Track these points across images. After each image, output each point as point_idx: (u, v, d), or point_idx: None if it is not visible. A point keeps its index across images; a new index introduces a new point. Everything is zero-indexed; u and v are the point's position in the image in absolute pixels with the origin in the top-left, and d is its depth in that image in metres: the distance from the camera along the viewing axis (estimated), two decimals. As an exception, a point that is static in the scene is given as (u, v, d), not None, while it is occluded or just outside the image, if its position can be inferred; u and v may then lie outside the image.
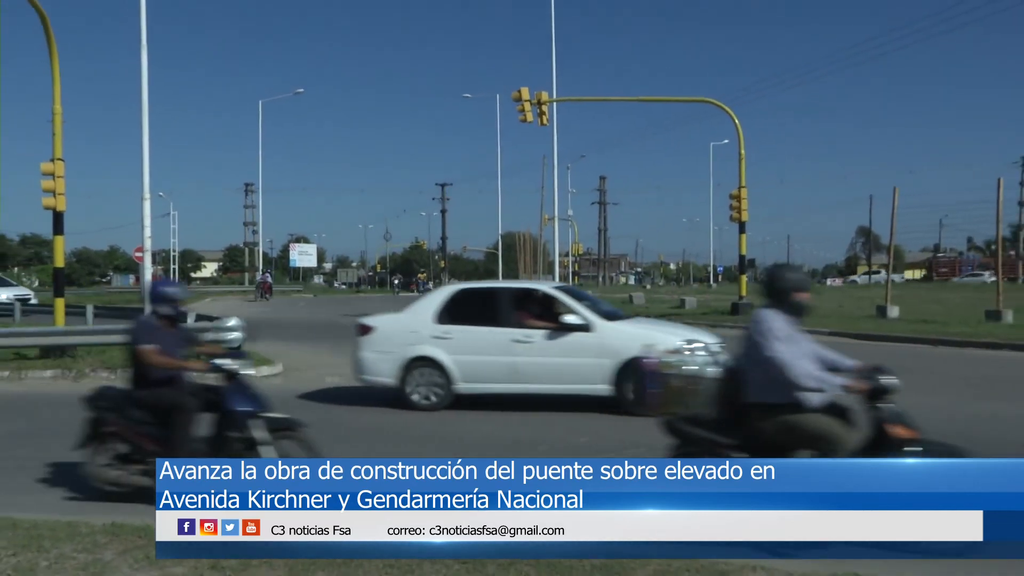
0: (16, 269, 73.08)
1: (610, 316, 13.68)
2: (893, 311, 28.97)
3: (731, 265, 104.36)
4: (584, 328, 12.90)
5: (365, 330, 14.04)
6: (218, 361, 7.89)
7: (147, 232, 25.21)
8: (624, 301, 43.52)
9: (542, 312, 13.46)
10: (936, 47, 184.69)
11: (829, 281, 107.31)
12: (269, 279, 69.09)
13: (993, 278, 38.93)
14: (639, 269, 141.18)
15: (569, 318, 13.03)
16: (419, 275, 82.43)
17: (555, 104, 40.16)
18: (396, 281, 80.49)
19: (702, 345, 12.46)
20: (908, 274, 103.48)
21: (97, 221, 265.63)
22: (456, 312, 13.58)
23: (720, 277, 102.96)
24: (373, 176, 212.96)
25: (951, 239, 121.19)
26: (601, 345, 12.72)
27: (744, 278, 36.04)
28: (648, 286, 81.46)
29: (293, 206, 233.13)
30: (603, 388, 12.69)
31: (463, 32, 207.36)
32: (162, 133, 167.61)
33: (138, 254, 31.24)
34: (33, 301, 37.46)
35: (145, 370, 7.93)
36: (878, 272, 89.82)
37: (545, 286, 14.21)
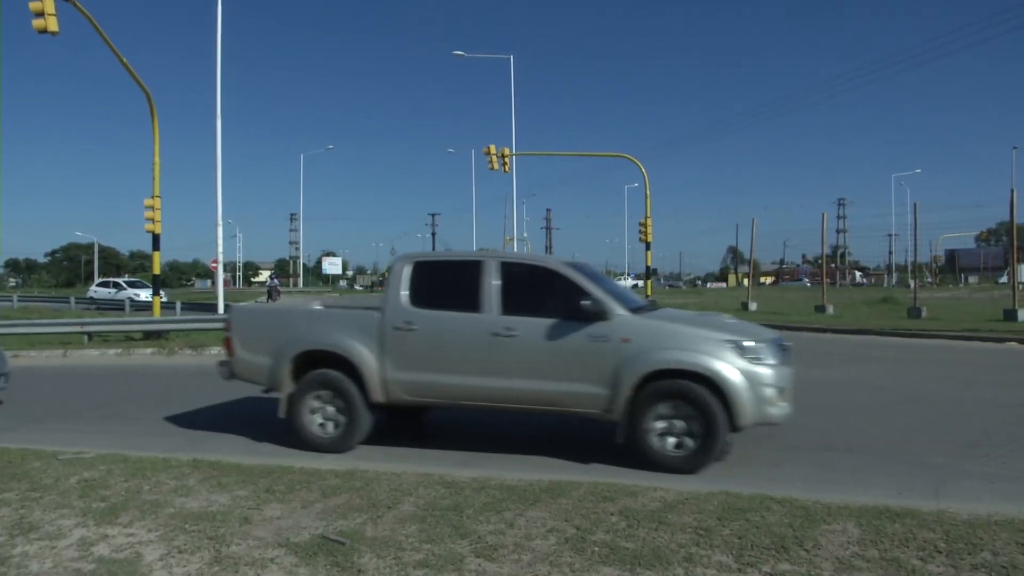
0: (126, 275, 71.87)
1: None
2: (753, 306, 29.35)
3: (640, 273, 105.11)
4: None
5: None
6: None
7: (220, 248, 25.12)
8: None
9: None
10: (772, 127, 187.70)
11: (709, 284, 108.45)
12: (277, 283, 49.76)
13: (814, 282, 39.74)
14: (631, 276, 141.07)
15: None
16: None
17: (514, 156, 40.27)
18: None
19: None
20: (763, 279, 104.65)
21: (184, 240, 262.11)
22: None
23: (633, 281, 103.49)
24: (383, 207, 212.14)
25: (792, 255, 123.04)
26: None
27: (650, 282, 36.34)
28: (637, 286, 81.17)
29: (325, 229, 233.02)
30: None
31: (449, 105, 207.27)
32: (232, 175, 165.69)
33: (213, 265, 31.02)
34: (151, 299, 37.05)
35: None
36: (746, 277, 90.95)
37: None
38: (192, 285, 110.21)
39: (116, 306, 33.31)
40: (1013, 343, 17.29)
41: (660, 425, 6.43)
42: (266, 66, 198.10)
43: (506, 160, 34.91)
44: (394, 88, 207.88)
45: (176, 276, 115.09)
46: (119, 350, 17.73)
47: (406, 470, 6.24)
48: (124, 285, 43.38)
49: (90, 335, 19.16)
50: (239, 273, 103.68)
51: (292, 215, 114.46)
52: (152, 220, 19.72)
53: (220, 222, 24.00)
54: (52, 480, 6.03)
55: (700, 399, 6.31)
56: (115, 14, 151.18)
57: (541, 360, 6.73)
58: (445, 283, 7.44)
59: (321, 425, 7.35)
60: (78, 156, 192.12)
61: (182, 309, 26.37)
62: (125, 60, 18.56)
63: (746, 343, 6.45)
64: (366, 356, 7.15)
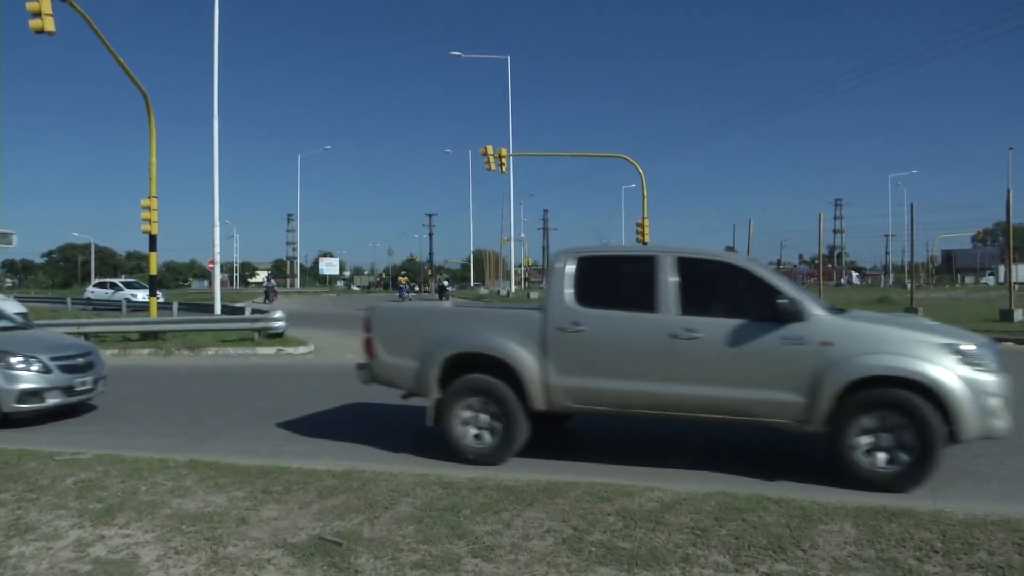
0: (123, 276, 71.65)
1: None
2: (748, 306, 29.43)
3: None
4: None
5: None
6: None
7: (217, 249, 25.11)
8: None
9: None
10: (771, 127, 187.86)
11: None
12: (274, 284, 51.52)
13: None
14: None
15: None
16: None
17: (511, 157, 40.32)
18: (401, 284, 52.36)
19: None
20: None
21: (182, 240, 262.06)
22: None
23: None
24: (380, 207, 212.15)
25: (789, 255, 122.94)
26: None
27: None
28: None
29: (323, 229, 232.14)
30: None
31: (448, 105, 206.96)
32: (230, 176, 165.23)
33: (210, 265, 31.03)
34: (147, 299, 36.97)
35: None
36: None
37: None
38: (189, 286, 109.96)
39: (113, 307, 33.20)
40: (1009, 343, 17.33)
41: (866, 438, 5.85)
42: (264, 66, 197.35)
43: (503, 160, 34.99)
44: (392, 88, 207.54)
45: (173, 276, 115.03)
46: (116, 351, 17.68)
47: (403, 471, 6.24)
48: (121, 286, 43.29)
49: (87, 336, 19.07)
50: (236, 273, 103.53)
51: (289, 215, 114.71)
52: (149, 221, 19.72)
53: (217, 222, 24.00)
54: (49, 481, 6.01)
55: (915, 409, 5.70)
56: (114, 14, 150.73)
57: (728, 365, 6.16)
58: (614, 280, 6.95)
59: (467, 429, 6.87)
60: (75, 156, 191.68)
61: (179, 310, 26.33)
62: (122, 60, 18.55)
63: (964, 347, 5.84)
64: (526, 360, 6.63)
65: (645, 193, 33.32)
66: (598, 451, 7.06)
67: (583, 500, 5.35)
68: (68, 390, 9.20)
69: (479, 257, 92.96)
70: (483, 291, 65.86)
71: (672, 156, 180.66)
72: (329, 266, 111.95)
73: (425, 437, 8.04)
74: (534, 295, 51.35)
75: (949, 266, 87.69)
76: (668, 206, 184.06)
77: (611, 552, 4.35)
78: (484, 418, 6.83)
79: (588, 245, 7.36)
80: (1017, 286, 22.62)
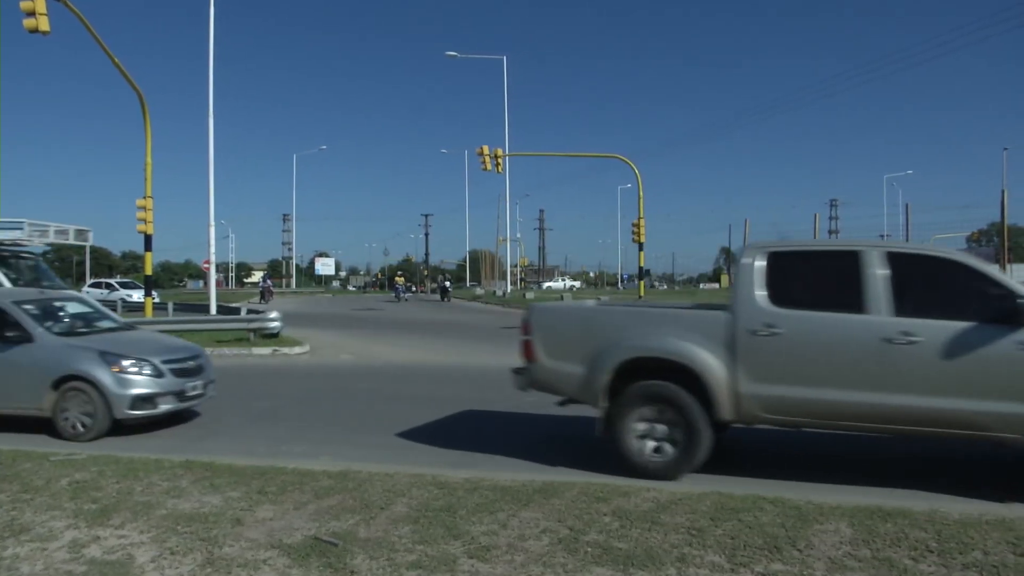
0: (119, 276, 71.51)
1: None
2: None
3: (633, 274, 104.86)
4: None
5: None
6: None
7: (212, 249, 25.06)
8: (557, 298, 43.75)
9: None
10: (769, 127, 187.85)
11: (703, 285, 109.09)
12: (270, 284, 52.54)
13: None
14: (568, 277, 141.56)
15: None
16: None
17: (507, 157, 40.34)
18: (397, 285, 52.28)
19: None
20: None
21: (178, 240, 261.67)
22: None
23: (626, 282, 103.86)
24: (377, 207, 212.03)
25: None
26: None
27: (642, 283, 36.56)
28: (574, 288, 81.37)
29: (319, 229, 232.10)
30: None
31: (445, 105, 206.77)
32: (225, 176, 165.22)
33: (205, 265, 30.92)
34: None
35: None
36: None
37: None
38: (184, 286, 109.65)
39: (108, 307, 33.23)
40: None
41: None
42: (260, 66, 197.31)
43: (499, 161, 35.05)
44: (388, 88, 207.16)
45: (168, 277, 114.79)
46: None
47: (399, 471, 6.23)
48: (116, 286, 43.25)
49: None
50: (232, 274, 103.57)
51: (285, 216, 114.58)
52: (144, 221, 19.76)
53: (213, 222, 23.96)
54: (43, 481, 6.00)
55: None
56: (110, 14, 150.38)
57: (954, 373, 5.51)
58: (813, 278, 6.29)
59: (643, 442, 6.28)
60: (71, 156, 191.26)
61: (174, 310, 26.28)
62: (117, 60, 18.52)
63: None
64: (713, 365, 6.05)
65: (641, 193, 33.44)
66: (594, 451, 7.05)
67: (579, 500, 5.35)
68: (180, 395, 8.76)
69: (475, 257, 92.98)
70: (479, 291, 65.80)
71: (668, 156, 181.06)
72: (325, 266, 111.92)
73: (427, 436, 8.05)
74: (530, 295, 51.44)
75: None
76: (665, 206, 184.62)
77: (607, 552, 4.35)
78: (661, 429, 6.26)
79: (773, 239, 6.76)
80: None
